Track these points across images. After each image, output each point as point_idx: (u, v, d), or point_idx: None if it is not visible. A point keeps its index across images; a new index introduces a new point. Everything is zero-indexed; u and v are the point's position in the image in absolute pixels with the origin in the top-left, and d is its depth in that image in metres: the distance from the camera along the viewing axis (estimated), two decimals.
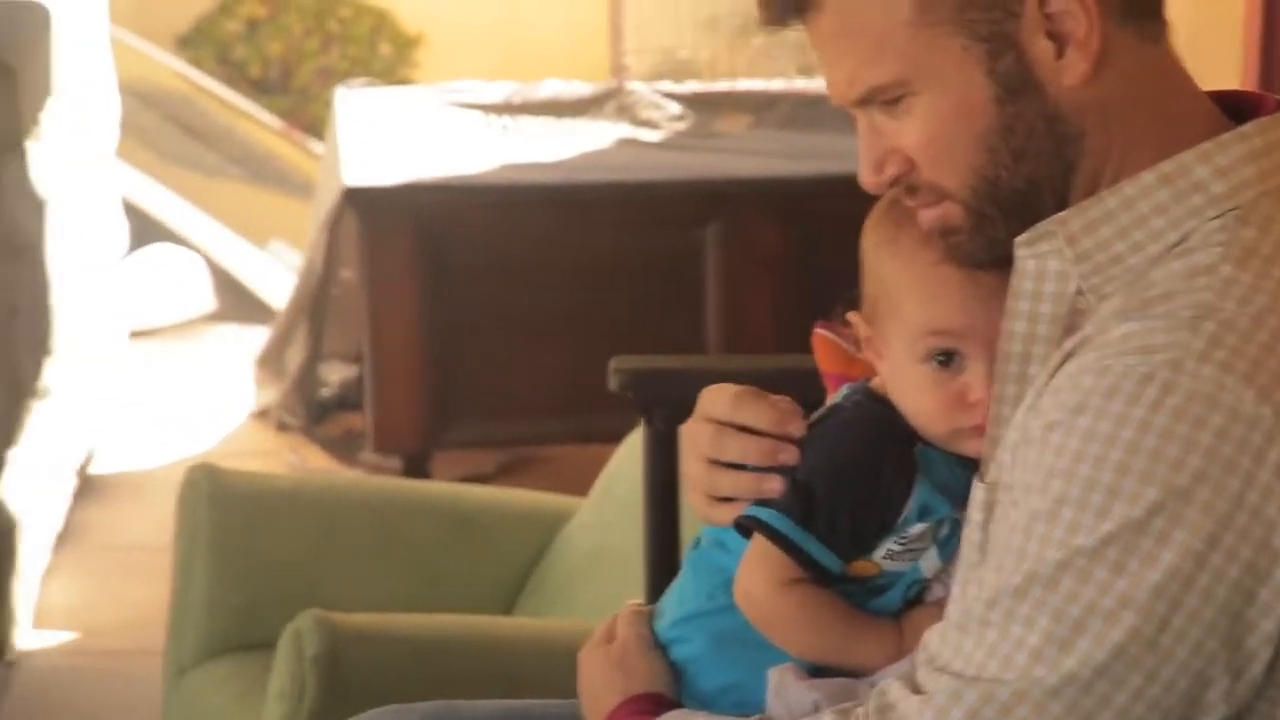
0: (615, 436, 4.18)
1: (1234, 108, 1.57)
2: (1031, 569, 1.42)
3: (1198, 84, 1.58)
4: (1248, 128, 1.52)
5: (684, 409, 2.26)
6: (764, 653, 1.64)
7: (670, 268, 4.40)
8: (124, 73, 6.21)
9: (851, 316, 1.66)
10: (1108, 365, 1.42)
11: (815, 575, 1.62)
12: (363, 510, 3.01)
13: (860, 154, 1.56)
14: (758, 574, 1.62)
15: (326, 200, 4.76)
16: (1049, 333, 1.52)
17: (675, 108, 5.11)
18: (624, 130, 4.96)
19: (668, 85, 5.37)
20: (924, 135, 1.51)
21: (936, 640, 1.49)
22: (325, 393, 5.26)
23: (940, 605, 1.60)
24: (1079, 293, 1.50)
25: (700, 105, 5.12)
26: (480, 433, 4.42)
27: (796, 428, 1.63)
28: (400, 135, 4.86)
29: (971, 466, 1.59)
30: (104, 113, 5.43)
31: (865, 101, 1.54)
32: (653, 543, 2.41)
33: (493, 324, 4.38)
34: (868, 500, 1.60)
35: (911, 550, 1.62)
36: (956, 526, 1.60)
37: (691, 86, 5.39)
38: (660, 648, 1.70)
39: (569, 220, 4.42)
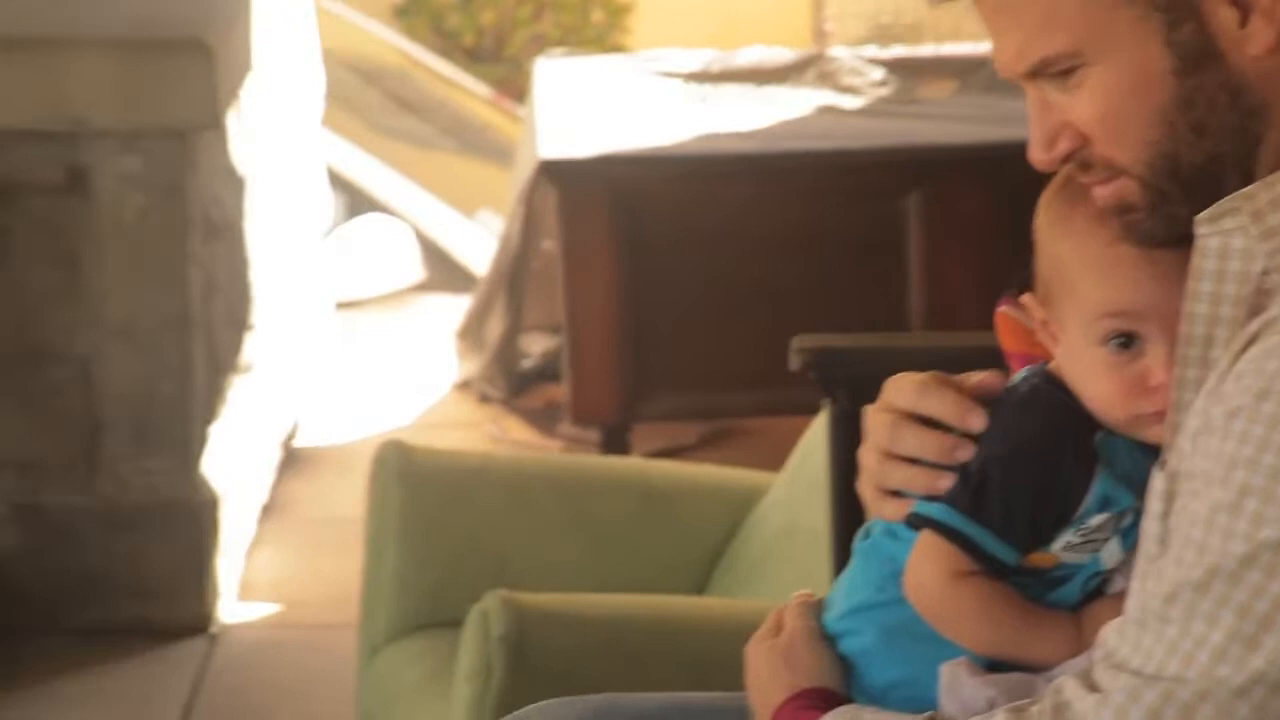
0: (812, 409, 4.21)
1: None
2: (1215, 563, 1.38)
3: None
4: None
5: (867, 387, 2.25)
6: (936, 647, 1.61)
7: (870, 238, 4.35)
8: (337, 46, 6.27)
9: (1026, 299, 1.63)
10: None
11: (989, 568, 1.58)
12: (552, 488, 3.01)
13: (1031, 129, 1.52)
14: (928, 567, 1.58)
15: (524, 172, 4.76)
16: (1233, 314, 1.47)
17: (877, 73, 5.05)
18: (824, 97, 4.91)
19: (870, 50, 5.32)
20: (1098, 109, 1.47)
21: (1114, 636, 1.45)
22: (526, 364, 5.28)
23: (1122, 598, 1.55)
24: (1265, 272, 1.45)
25: (903, 70, 5.06)
26: (677, 405, 4.41)
27: (978, 421, 1.59)
28: (598, 105, 4.85)
29: (1155, 454, 1.54)
30: (311, 87, 5.46)
31: (1035, 74, 1.50)
32: (838, 524, 2.40)
33: (689, 296, 4.37)
34: (1045, 491, 1.55)
35: (1091, 541, 1.57)
36: (1139, 517, 1.55)
37: (894, 51, 5.33)
38: (829, 640, 1.67)
39: (766, 190, 4.38)
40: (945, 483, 1.58)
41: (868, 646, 1.65)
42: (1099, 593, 1.60)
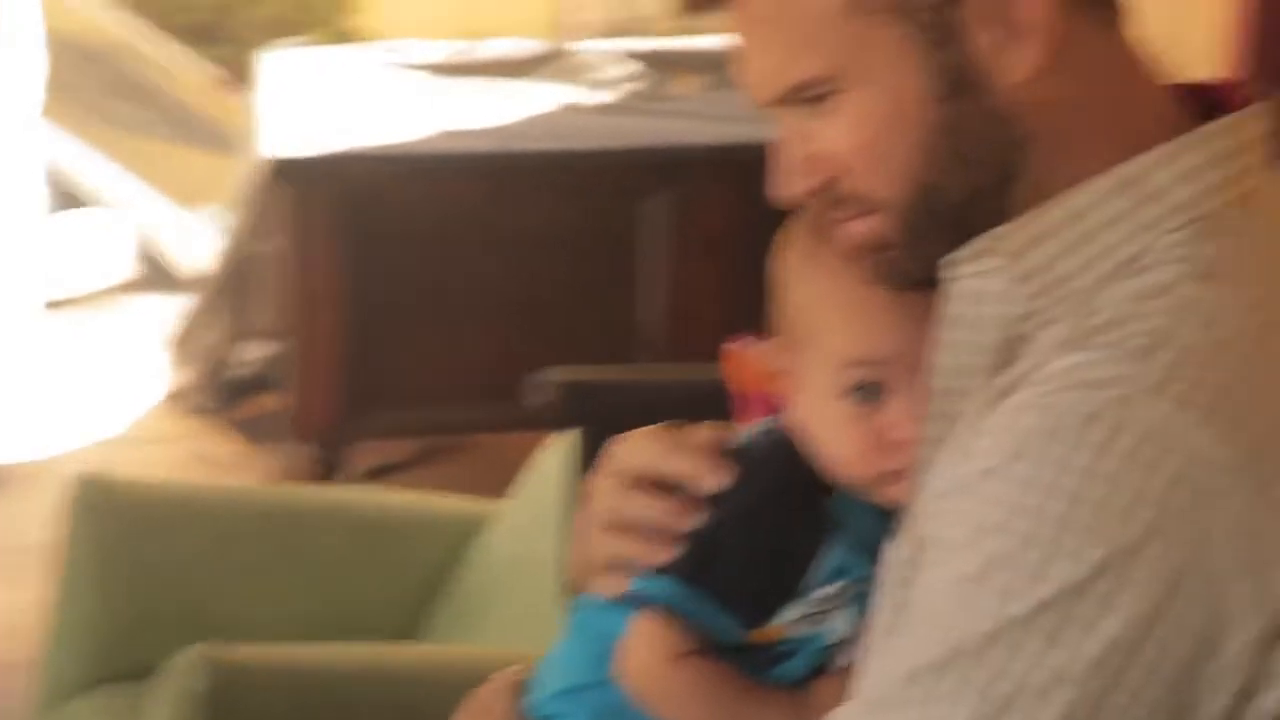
0: (541, 425, 4.07)
1: (1204, 102, 1.43)
2: (957, 642, 1.29)
3: (1166, 74, 1.43)
4: (1214, 126, 1.39)
5: (620, 424, 2.11)
6: None
7: (614, 242, 4.20)
8: (52, 26, 5.99)
9: (762, 347, 1.53)
10: (1049, 403, 1.30)
11: (711, 647, 1.47)
12: (259, 521, 2.88)
13: (778, 161, 1.43)
14: (645, 649, 1.49)
15: (251, 168, 4.54)
16: (983, 363, 1.38)
17: (623, 68, 4.90)
18: (568, 93, 4.75)
19: (617, 44, 5.17)
20: (855, 138, 1.38)
21: None
22: (244, 372, 5.06)
23: (850, 674, 1.46)
24: (1025, 316, 1.37)
25: (652, 65, 4.92)
26: (402, 420, 4.26)
27: (715, 481, 1.48)
28: (329, 100, 4.67)
29: (894, 517, 1.46)
30: (28, 70, 5.21)
31: (787, 99, 1.41)
32: None
33: (423, 302, 4.19)
34: (774, 561, 1.46)
35: (821, 613, 1.47)
36: (872, 583, 1.46)
37: (642, 44, 5.18)
38: None
39: (503, 191, 4.22)
40: (663, 555, 1.49)
41: None
42: (825, 668, 1.50)
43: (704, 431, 1.54)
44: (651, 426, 1.57)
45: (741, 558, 1.46)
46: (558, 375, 2.17)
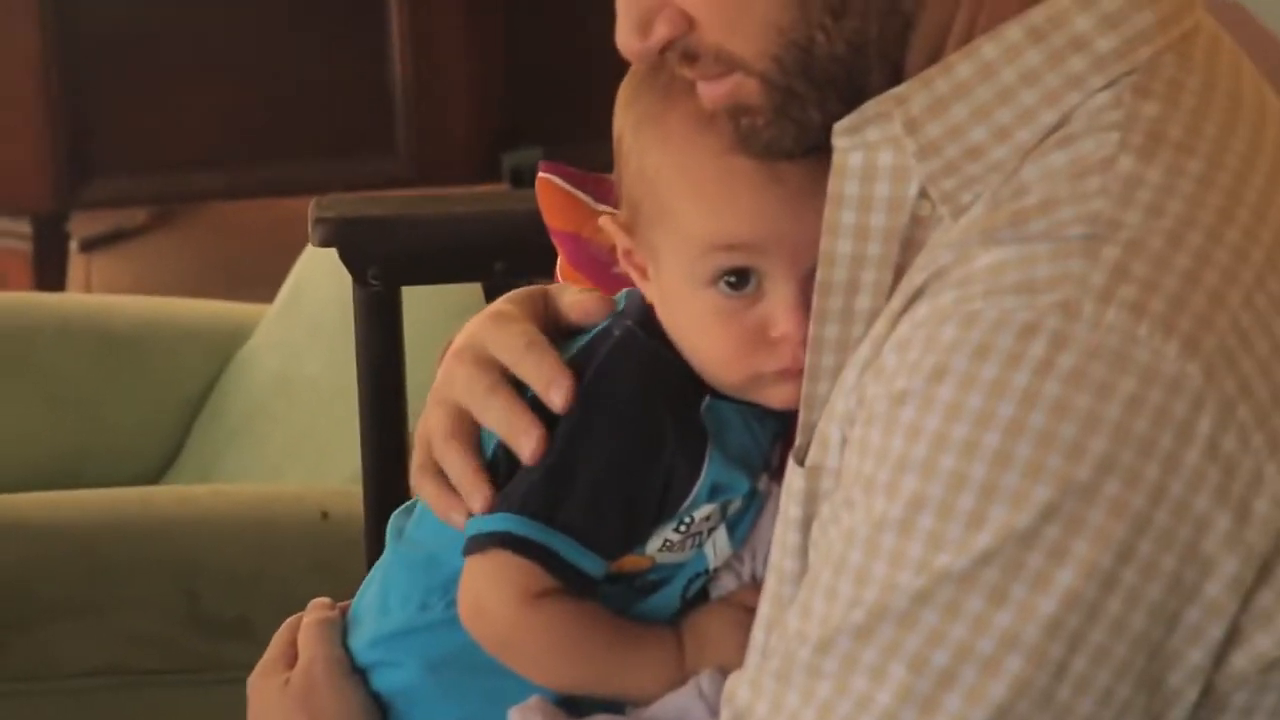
0: (279, 189, 3.89)
1: None
2: (880, 600, 1.13)
3: None
4: None
5: (403, 263, 1.91)
6: (500, 681, 1.33)
7: None
8: None
9: (604, 221, 1.33)
10: (975, 311, 1.13)
11: (571, 583, 1.30)
12: None
13: (620, 8, 1.22)
14: (492, 588, 1.30)
15: None
16: (883, 252, 1.21)
17: None
18: None
19: None
20: None
21: (746, 691, 1.18)
22: None
23: (731, 606, 1.33)
24: (922, 195, 1.19)
25: None
26: (125, 188, 4.01)
27: (560, 398, 1.29)
28: None
29: (776, 421, 1.30)
30: None
31: None
32: (371, 427, 2.03)
33: (136, 61, 3.89)
34: (641, 482, 1.28)
35: (695, 536, 1.31)
36: (753, 499, 1.32)
37: None
38: (359, 674, 1.39)
39: None
40: (484, 495, 1.31)
41: (409, 683, 1.37)
42: (703, 597, 1.34)
43: (569, 293, 1.37)
44: (519, 292, 1.38)
45: (602, 479, 1.29)
46: (336, 210, 1.94)
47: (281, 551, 2.29)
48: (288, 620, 1.44)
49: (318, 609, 1.43)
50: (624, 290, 1.36)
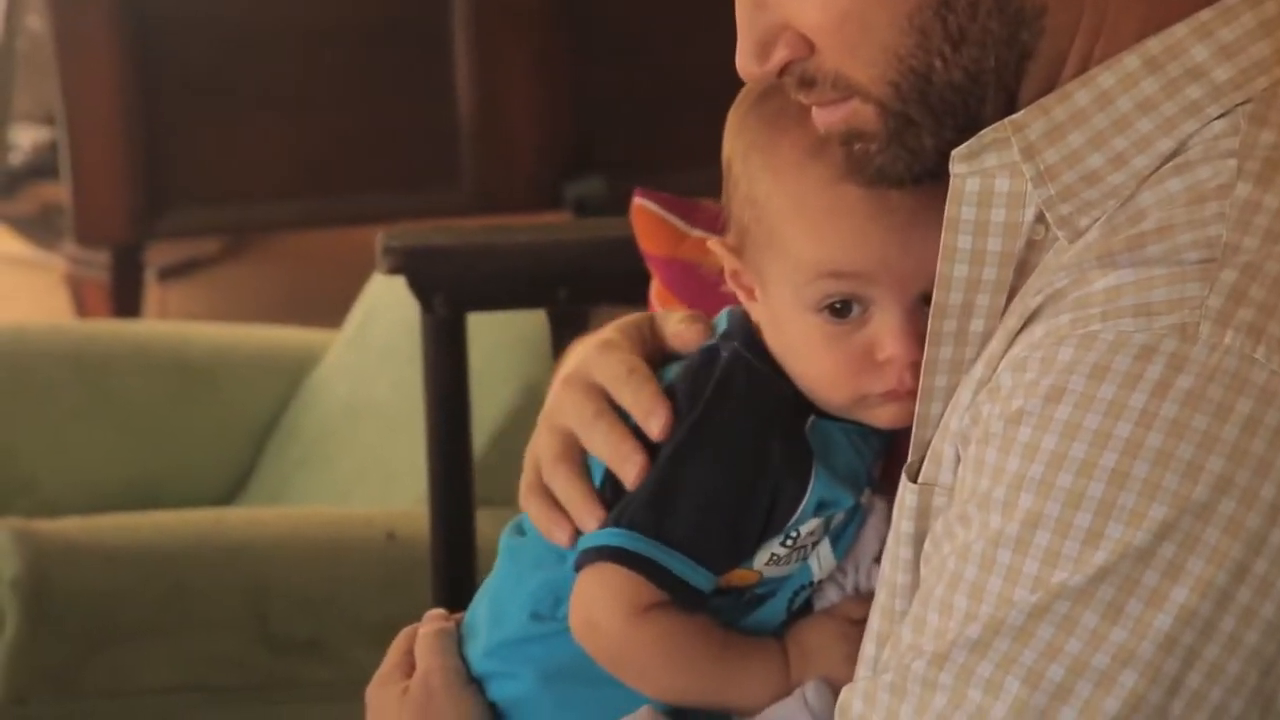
0: (348, 219, 3.93)
1: None
2: (995, 614, 1.13)
3: None
4: None
5: (468, 290, 1.95)
6: (612, 691, 1.34)
7: (413, 29, 3.96)
8: None
9: (712, 244, 1.33)
10: (1092, 333, 1.13)
11: (680, 597, 1.30)
12: (68, 365, 2.71)
13: (740, 32, 1.22)
14: (603, 601, 1.31)
15: None
16: (998, 276, 1.21)
17: None
18: None
19: None
20: (831, 9, 1.19)
21: (860, 704, 1.18)
22: (15, 159, 4.79)
23: (834, 618, 1.33)
24: (1038, 219, 1.20)
25: None
26: (200, 219, 4.02)
27: (658, 425, 1.30)
28: None
29: (880, 438, 1.31)
30: None
31: None
32: (437, 452, 2.06)
33: (212, 93, 3.94)
34: (749, 498, 1.29)
35: (800, 549, 1.32)
36: (856, 512, 1.32)
37: None
38: (475, 684, 1.39)
39: None
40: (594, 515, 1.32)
41: (525, 693, 1.37)
42: (807, 609, 1.35)
43: (671, 320, 1.37)
44: (625, 320, 1.39)
45: (710, 496, 1.30)
46: (402, 239, 1.98)
47: (350, 572, 2.32)
48: (404, 630, 1.44)
49: (434, 619, 1.43)
50: (724, 310, 1.37)
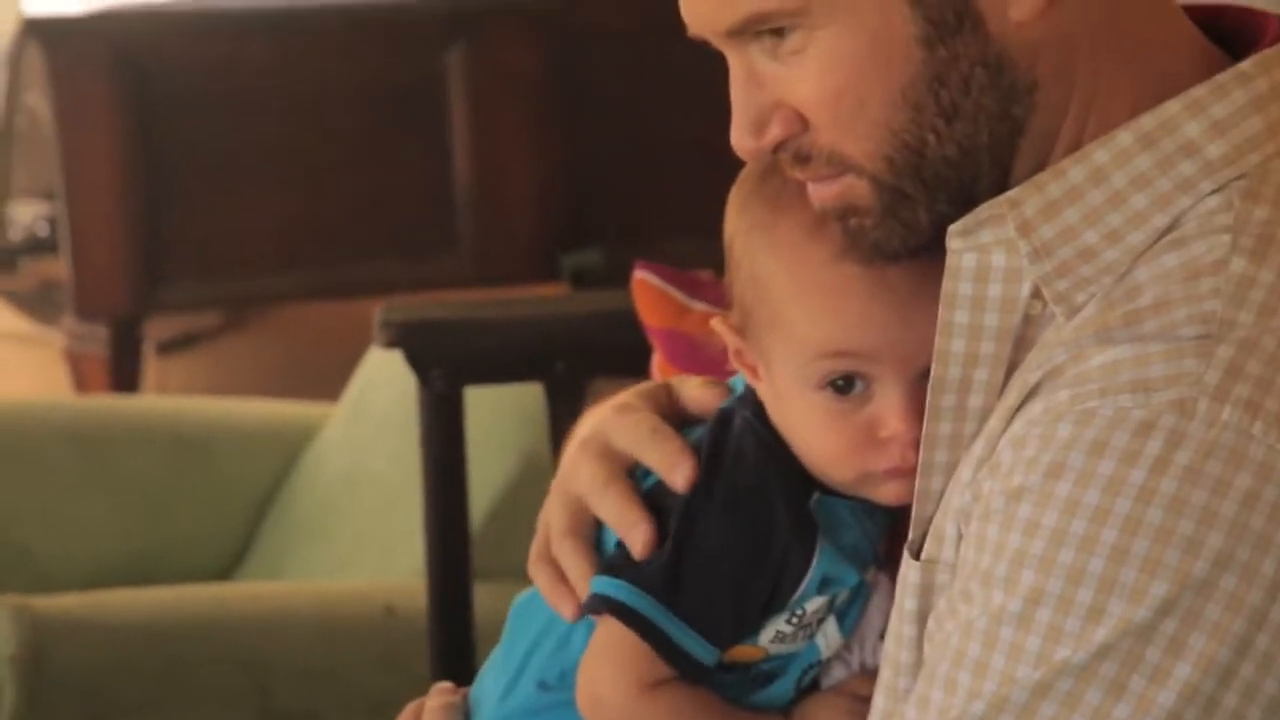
0: (347, 290, 3.95)
1: (1228, 32, 1.24)
2: (999, 691, 1.13)
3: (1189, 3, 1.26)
4: (1248, 65, 1.20)
5: (466, 364, 1.96)
6: None
7: (410, 100, 3.98)
8: None
9: (715, 323, 1.32)
10: (1091, 409, 1.13)
11: (685, 670, 1.29)
12: (65, 439, 2.74)
13: (735, 108, 1.23)
14: (610, 673, 1.30)
15: (4, 30, 4.23)
16: (996, 351, 1.21)
17: None
18: None
19: None
20: (825, 85, 1.19)
21: None
22: (14, 235, 4.79)
23: (841, 695, 1.32)
24: (1035, 295, 1.20)
25: None
26: (200, 292, 4.03)
27: (682, 478, 1.29)
28: None
29: (885, 515, 1.30)
30: None
31: (742, 31, 1.21)
32: (435, 524, 2.11)
33: (210, 168, 3.96)
34: (753, 573, 1.28)
35: (806, 627, 1.31)
36: (861, 589, 1.31)
37: None
38: None
39: (291, 48, 3.98)
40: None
41: None
42: (814, 686, 1.34)
43: (688, 386, 1.37)
44: (642, 386, 1.38)
45: (718, 567, 1.30)
46: (399, 314, 1.99)
47: (348, 646, 2.33)
48: (409, 705, 1.43)
49: (440, 693, 1.42)
50: (736, 379, 1.37)
